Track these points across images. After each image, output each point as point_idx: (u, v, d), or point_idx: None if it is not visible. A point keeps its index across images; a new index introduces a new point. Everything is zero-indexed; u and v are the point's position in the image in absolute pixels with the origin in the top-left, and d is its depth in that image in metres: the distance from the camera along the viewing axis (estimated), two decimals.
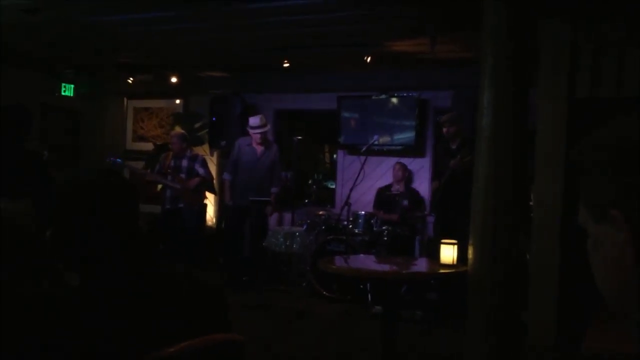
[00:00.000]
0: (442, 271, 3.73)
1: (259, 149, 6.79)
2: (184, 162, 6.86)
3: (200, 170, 6.87)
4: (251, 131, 6.74)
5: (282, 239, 5.81)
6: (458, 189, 5.56)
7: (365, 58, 6.56)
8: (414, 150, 7.15)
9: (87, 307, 1.29)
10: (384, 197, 6.72)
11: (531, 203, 4.57)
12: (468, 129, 5.91)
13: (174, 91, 8.43)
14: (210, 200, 7.91)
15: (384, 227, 6.29)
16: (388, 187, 6.79)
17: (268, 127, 6.90)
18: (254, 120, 6.76)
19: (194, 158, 6.94)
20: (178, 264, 1.51)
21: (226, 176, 6.97)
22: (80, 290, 1.36)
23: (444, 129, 5.89)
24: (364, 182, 6.56)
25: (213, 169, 7.73)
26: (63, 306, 1.28)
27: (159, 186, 7.14)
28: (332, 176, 8.21)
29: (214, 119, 7.88)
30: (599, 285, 0.77)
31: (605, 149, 0.71)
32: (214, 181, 7.36)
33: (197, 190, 6.88)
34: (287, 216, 7.59)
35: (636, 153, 0.67)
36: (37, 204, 3.13)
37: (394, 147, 7.23)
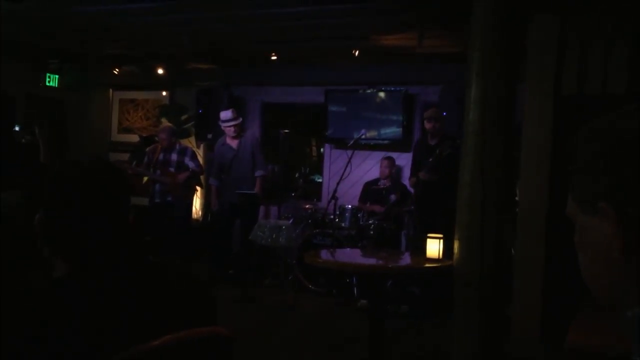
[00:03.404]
0: (428, 265, 3.73)
1: (235, 143, 6.72)
2: (173, 156, 6.77)
3: (190, 164, 6.78)
4: (223, 125, 6.68)
5: (268, 233, 5.79)
6: (436, 184, 5.59)
7: (353, 52, 6.55)
8: (400, 144, 7.16)
9: (73, 298, 1.28)
10: (370, 191, 6.72)
11: (517, 198, 4.60)
12: (453, 124, 5.93)
13: (160, 83, 8.37)
14: (197, 193, 7.87)
15: (370, 221, 6.29)
16: (375, 182, 6.79)
17: (240, 120, 6.81)
18: (225, 114, 6.69)
19: (183, 151, 6.85)
20: (165, 256, 1.50)
21: (212, 182, 6.91)
22: (66, 279, 1.34)
23: (428, 124, 5.90)
24: (350, 176, 6.54)
25: (200, 161, 7.68)
26: (49, 297, 1.27)
27: (145, 178, 7.08)
28: (319, 170, 8.20)
29: (200, 111, 7.83)
30: (584, 278, 0.77)
31: (599, 141, 0.71)
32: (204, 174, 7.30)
33: (188, 184, 6.82)
34: (274, 209, 7.58)
35: (630, 146, 0.67)
36: (26, 190, 3.11)
37: (381, 142, 7.23)
